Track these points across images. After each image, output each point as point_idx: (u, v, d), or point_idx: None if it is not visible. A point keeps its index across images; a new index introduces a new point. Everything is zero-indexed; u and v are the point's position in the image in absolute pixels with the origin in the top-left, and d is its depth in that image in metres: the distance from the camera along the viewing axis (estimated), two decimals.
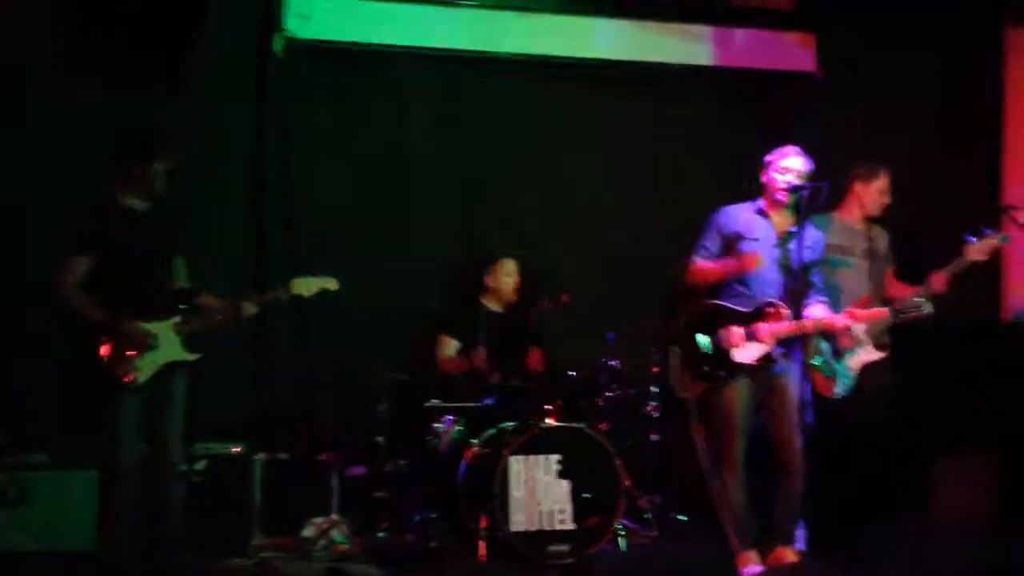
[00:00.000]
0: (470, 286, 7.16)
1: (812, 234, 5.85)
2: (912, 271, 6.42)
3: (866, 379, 6.22)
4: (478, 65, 7.42)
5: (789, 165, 5.76)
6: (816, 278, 5.84)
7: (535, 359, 6.96)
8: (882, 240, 6.56)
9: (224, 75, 6.97)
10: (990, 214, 7.09)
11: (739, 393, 5.71)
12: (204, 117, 6.82)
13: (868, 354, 6.25)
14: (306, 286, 5.77)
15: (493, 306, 7.05)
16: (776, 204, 5.81)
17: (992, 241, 6.16)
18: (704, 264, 5.89)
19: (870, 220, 6.54)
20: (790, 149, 5.82)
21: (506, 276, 7.06)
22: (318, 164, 7.14)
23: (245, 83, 7.04)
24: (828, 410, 6.10)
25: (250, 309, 5.65)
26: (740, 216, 5.87)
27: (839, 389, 6.18)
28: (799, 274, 5.72)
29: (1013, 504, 5.96)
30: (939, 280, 6.13)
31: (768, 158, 5.84)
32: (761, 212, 5.85)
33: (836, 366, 6.21)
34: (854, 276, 6.37)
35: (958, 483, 5.97)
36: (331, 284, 5.83)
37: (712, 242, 5.91)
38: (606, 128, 7.59)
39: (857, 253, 6.44)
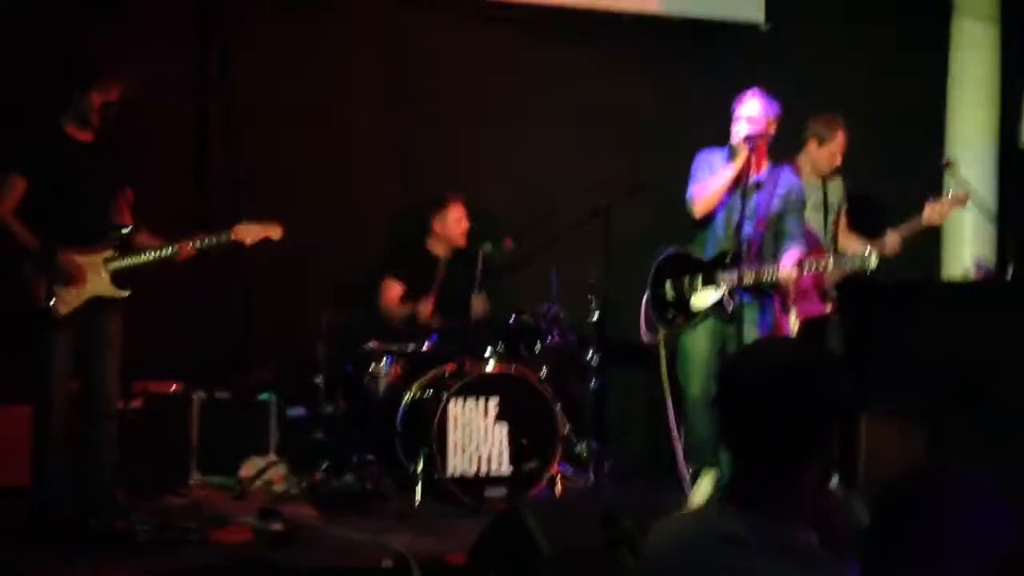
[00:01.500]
0: (415, 230, 7.12)
1: (787, 181, 5.84)
2: (866, 224, 6.47)
3: (813, 333, 6.27)
4: (424, 8, 7.33)
5: (743, 112, 5.75)
6: (791, 226, 5.83)
7: (479, 302, 6.95)
8: (835, 192, 6.59)
9: (163, 13, 6.88)
10: (933, 168, 7.19)
11: (698, 338, 5.77)
12: (142, 45, 6.71)
13: (815, 306, 6.33)
14: (248, 232, 5.68)
15: (439, 251, 7.01)
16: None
17: (949, 205, 6.20)
18: (705, 181, 5.82)
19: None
20: (750, 92, 5.79)
21: (456, 220, 7.00)
22: (260, 104, 7.04)
23: (187, 20, 6.93)
24: None
25: (189, 250, 5.58)
26: (714, 162, 5.86)
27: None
28: (766, 223, 5.74)
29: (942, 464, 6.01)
30: (893, 240, 6.13)
31: (733, 105, 5.82)
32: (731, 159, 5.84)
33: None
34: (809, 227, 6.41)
35: (889, 440, 6.03)
36: (274, 233, 5.74)
37: (705, 176, 5.87)
38: (552, 75, 7.52)
39: (810, 205, 6.47)
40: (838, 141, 6.47)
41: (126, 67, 5.67)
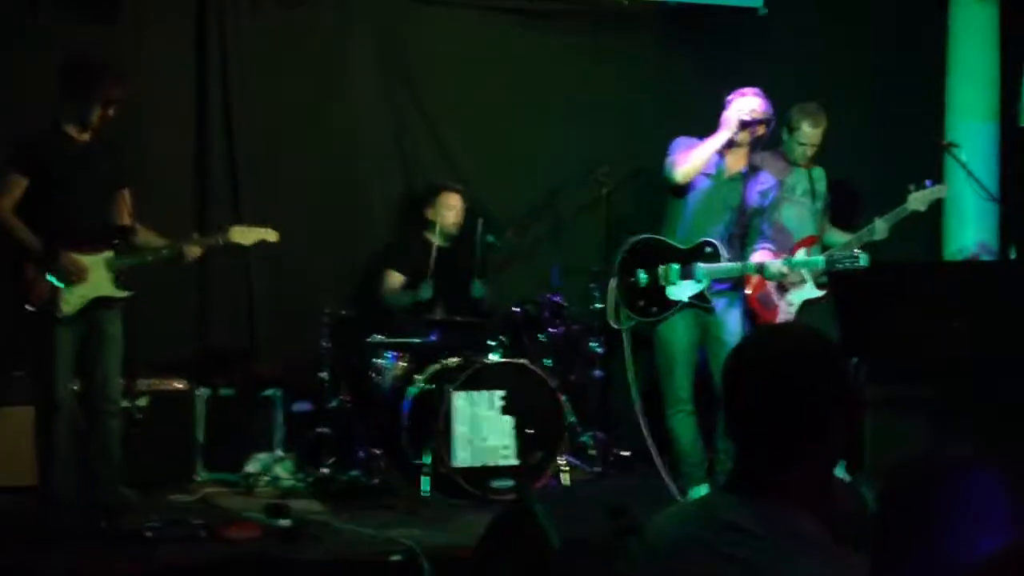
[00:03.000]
0: (414, 220, 7.11)
1: (765, 179, 5.84)
2: (854, 215, 6.46)
3: (807, 317, 6.26)
4: (419, 1, 7.31)
5: (742, 105, 5.72)
6: (764, 225, 5.83)
7: (480, 292, 6.96)
8: (821, 182, 6.59)
9: (162, 10, 6.87)
10: (932, 151, 7.17)
11: (675, 331, 5.73)
12: (142, 46, 6.70)
13: (810, 291, 6.32)
14: (244, 235, 5.72)
15: (436, 240, 6.99)
16: (730, 143, 5.76)
17: (933, 192, 6.19)
18: (688, 149, 5.76)
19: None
20: (749, 90, 5.77)
21: (446, 210, 6.96)
22: (259, 101, 7.03)
23: (184, 16, 6.93)
24: None
25: (193, 251, 5.60)
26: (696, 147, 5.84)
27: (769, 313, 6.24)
28: (744, 217, 5.73)
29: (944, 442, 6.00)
30: (881, 228, 6.12)
31: (728, 97, 5.80)
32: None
33: (778, 301, 6.26)
34: (797, 214, 6.40)
35: (892, 426, 6.01)
36: (270, 235, 5.78)
37: (682, 152, 5.83)
38: (550, 63, 7.49)
39: (799, 192, 6.47)
40: (804, 131, 6.42)
41: (125, 65, 5.70)
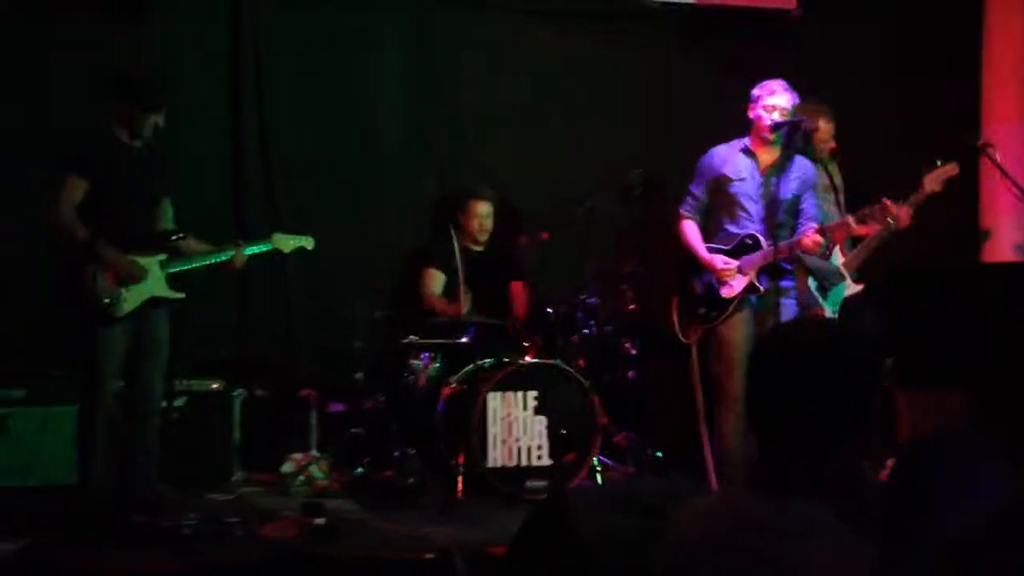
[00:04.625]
0: (446, 222, 7.14)
1: (800, 164, 5.89)
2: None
3: (850, 314, 6.27)
4: (447, 4, 7.35)
5: (775, 103, 5.77)
6: (807, 204, 5.88)
7: (519, 294, 6.99)
8: (837, 175, 6.60)
9: (193, 12, 6.96)
10: (968, 152, 7.13)
11: (734, 331, 5.78)
12: (177, 56, 6.78)
13: (850, 288, 6.34)
14: (285, 242, 5.99)
15: (469, 244, 7.03)
16: (762, 141, 5.83)
17: (946, 170, 6.18)
18: (691, 235, 5.97)
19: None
20: (776, 84, 5.81)
21: (474, 218, 6.99)
22: (292, 105, 7.10)
23: (216, 22, 7.02)
24: None
25: (239, 258, 5.78)
26: (726, 158, 5.90)
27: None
28: (785, 207, 5.77)
29: None
30: (904, 214, 6.10)
31: (755, 92, 5.84)
32: (746, 150, 5.88)
33: (823, 301, 6.27)
34: (823, 208, 6.40)
35: (930, 418, 6.00)
36: (308, 243, 6.07)
37: (700, 188, 5.96)
38: (582, 67, 7.52)
39: (820, 187, 6.47)
40: (823, 128, 6.41)
41: (167, 72, 5.82)
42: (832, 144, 6.51)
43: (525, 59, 7.47)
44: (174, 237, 5.64)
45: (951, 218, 6.29)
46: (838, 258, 6.37)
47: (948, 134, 7.40)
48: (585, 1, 7.54)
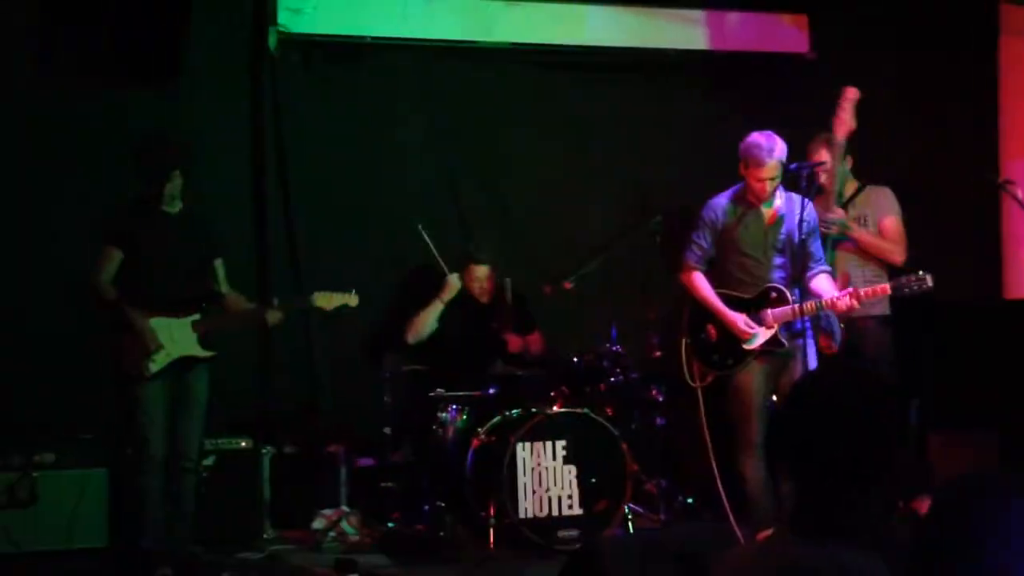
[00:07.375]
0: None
1: (805, 206, 5.81)
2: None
3: (865, 340, 6.24)
4: (470, 55, 7.41)
5: (765, 175, 5.68)
6: (814, 247, 5.85)
7: (535, 343, 7.00)
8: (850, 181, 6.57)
9: (216, 74, 7.01)
10: (989, 189, 7.14)
11: (753, 378, 5.74)
12: (201, 117, 6.84)
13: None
14: (327, 300, 5.96)
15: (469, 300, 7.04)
16: (758, 201, 5.80)
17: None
18: (703, 286, 5.90)
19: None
20: (760, 152, 5.65)
21: (472, 281, 7.01)
22: (315, 160, 7.16)
23: (238, 81, 7.08)
24: None
25: (275, 317, 5.84)
26: (729, 207, 5.85)
27: (835, 343, 6.19)
28: (798, 251, 5.75)
29: None
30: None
31: (742, 154, 5.72)
32: (747, 199, 5.83)
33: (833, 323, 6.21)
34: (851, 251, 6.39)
35: (956, 457, 5.98)
36: (352, 300, 6.00)
37: (704, 239, 5.90)
38: (598, 116, 7.56)
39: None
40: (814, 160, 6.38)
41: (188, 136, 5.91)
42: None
43: (546, 110, 7.54)
44: (204, 304, 5.71)
45: (973, 257, 6.27)
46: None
47: (967, 171, 7.44)
48: (605, 54, 7.58)
